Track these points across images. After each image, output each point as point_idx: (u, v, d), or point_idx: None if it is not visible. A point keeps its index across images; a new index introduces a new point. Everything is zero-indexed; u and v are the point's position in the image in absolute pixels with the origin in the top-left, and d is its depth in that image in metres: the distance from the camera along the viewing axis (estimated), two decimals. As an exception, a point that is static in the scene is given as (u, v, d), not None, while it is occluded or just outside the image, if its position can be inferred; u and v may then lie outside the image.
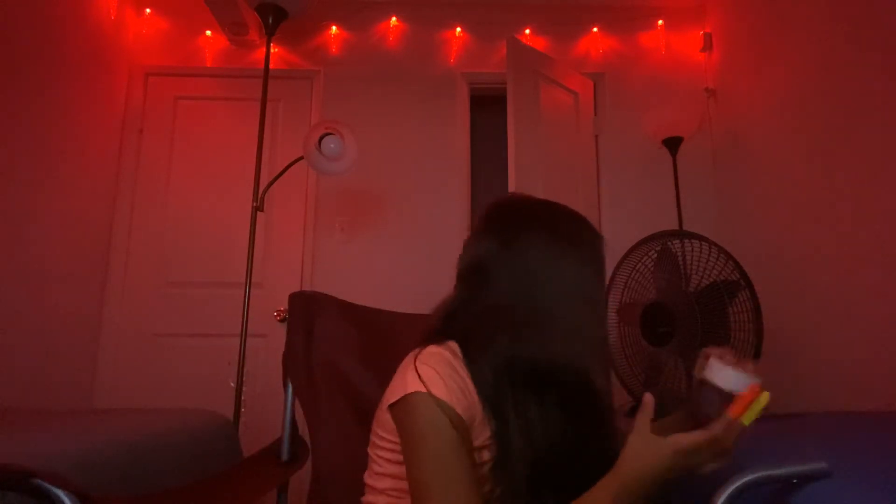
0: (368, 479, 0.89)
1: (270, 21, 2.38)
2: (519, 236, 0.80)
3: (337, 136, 2.16)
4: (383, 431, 0.83)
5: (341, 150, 2.18)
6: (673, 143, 2.58)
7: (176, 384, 2.54)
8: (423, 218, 2.76)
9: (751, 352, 1.08)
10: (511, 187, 2.41)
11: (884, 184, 1.76)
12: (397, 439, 0.78)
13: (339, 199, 2.77)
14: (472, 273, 0.82)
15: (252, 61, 2.86)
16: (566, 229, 0.81)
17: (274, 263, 2.70)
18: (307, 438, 1.16)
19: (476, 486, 0.71)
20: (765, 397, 0.65)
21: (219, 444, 1.42)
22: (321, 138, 2.16)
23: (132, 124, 2.79)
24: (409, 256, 2.71)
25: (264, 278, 2.65)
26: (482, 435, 0.75)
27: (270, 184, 2.29)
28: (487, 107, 3.22)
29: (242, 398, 2.16)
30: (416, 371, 0.74)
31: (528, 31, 2.97)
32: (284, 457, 1.23)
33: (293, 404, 1.21)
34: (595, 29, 2.99)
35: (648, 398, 0.68)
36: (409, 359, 0.79)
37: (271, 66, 2.47)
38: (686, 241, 1.17)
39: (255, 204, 2.26)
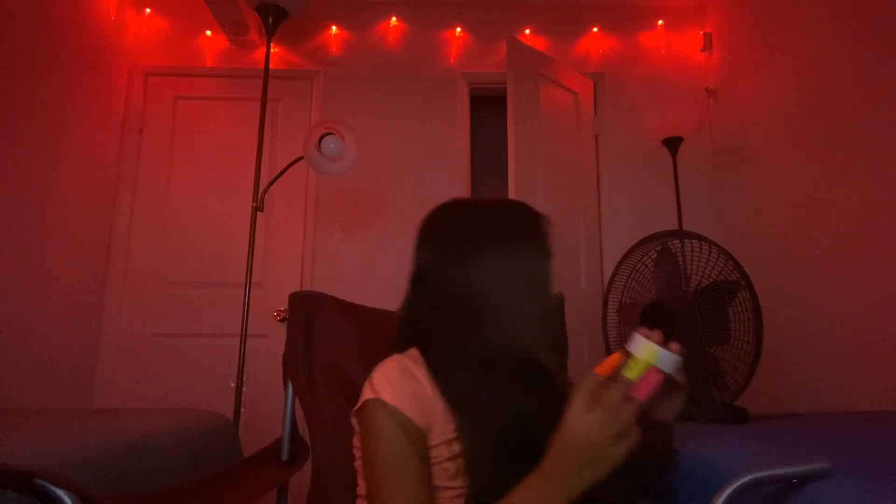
0: (359, 481, 0.91)
1: (270, 21, 2.38)
2: (449, 238, 0.86)
3: (337, 136, 2.16)
4: (356, 438, 0.88)
5: (341, 150, 2.18)
6: (673, 143, 2.58)
7: (176, 384, 2.54)
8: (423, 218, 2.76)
9: (751, 352, 1.08)
10: (511, 187, 2.41)
11: (884, 183, 1.76)
12: None
13: (339, 199, 2.78)
14: (415, 281, 0.90)
15: (252, 61, 2.86)
16: (493, 220, 0.86)
17: (274, 263, 2.70)
18: (307, 438, 1.16)
19: (425, 486, 0.75)
20: (648, 350, 0.66)
21: (219, 444, 1.42)
22: (321, 138, 2.16)
23: (132, 124, 2.79)
24: (409, 256, 2.71)
25: (264, 278, 2.65)
26: (447, 430, 0.78)
27: (270, 184, 2.29)
28: (487, 107, 3.22)
29: (242, 398, 2.16)
30: (371, 379, 0.80)
31: (528, 31, 2.97)
32: (284, 457, 1.23)
33: (293, 404, 1.21)
34: (595, 29, 2.99)
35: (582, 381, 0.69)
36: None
37: (271, 66, 2.47)
38: (686, 241, 1.17)
39: (255, 204, 2.26)
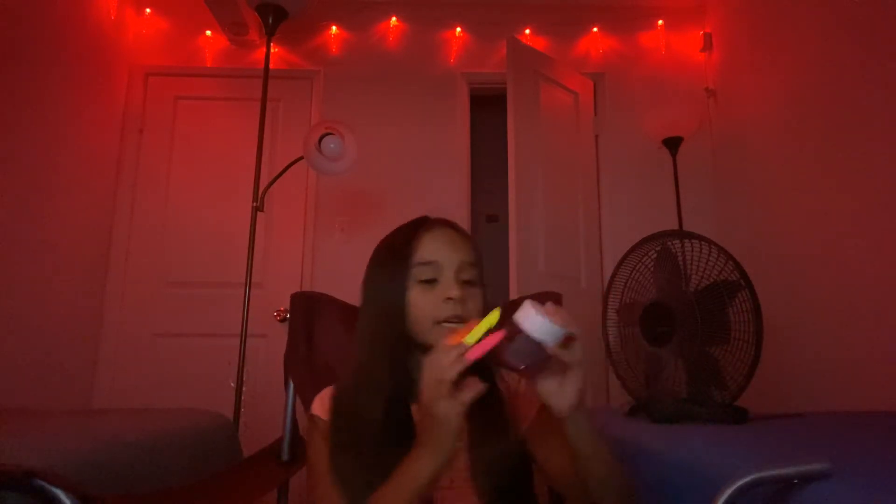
0: None
1: (270, 21, 2.38)
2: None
3: (337, 136, 2.16)
4: None
5: (341, 150, 2.18)
6: (673, 143, 2.58)
7: (176, 384, 2.54)
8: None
9: (751, 352, 1.08)
10: (511, 187, 2.41)
11: (883, 183, 1.76)
12: None
13: (339, 199, 2.78)
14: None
15: (252, 61, 2.86)
16: (385, 244, 0.98)
17: (274, 263, 2.70)
18: (307, 438, 1.16)
19: (336, 483, 0.80)
20: (494, 315, 0.68)
21: (219, 444, 1.42)
22: (321, 138, 2.16)
23: (132, 124, 2.79)
24: (409, 256, 2.71)
25: (264, 278, 2.65)
26: None
27: (270, 184, 2.29)
28: (487, 107, 3.22)
29: (242, 398, 2.16)
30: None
31: (528, 31, 2.97)
32: (284, 457, 1.23)
33: (294, 404, 1.22)
34: (595, 29, 2.99)
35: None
36: None
37: (271, 66, 2.47)
38: (686, 241, 1.17)
39: (255, 204, 2.26)
